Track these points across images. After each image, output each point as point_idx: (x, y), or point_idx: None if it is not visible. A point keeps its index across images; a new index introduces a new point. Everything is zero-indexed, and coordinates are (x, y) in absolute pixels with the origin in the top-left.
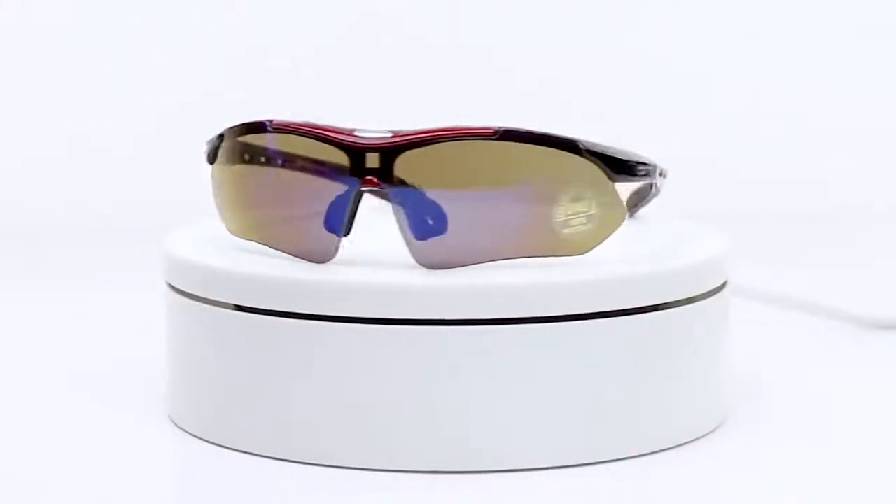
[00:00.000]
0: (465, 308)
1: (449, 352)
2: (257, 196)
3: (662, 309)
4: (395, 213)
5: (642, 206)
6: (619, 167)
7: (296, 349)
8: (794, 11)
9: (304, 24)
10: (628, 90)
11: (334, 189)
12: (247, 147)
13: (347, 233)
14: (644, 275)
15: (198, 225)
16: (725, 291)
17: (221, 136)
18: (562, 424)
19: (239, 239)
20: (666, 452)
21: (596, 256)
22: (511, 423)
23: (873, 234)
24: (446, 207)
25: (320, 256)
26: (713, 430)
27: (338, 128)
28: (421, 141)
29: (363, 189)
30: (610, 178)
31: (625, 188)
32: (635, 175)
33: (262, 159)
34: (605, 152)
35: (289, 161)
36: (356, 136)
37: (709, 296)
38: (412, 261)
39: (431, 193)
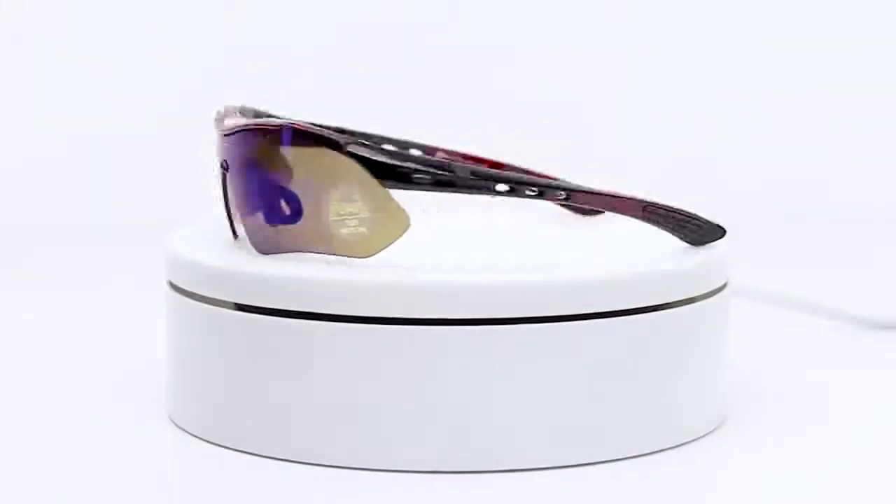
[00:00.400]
0: (465, 308)
1: (449, 352)
2: None
3: (663, 309)
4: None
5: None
6: (386, 172)
7: (296, 349)
8: (795, 11)
9: (304, 23)
10: (629, 90)
11: None
12: None
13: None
14: (644, 275)
15: (199, 224)
16: (726, 292)
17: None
18: (562, 424)
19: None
20: (666, 452)
21: (596, 257)
22: (511, 423)
23: (873, 234)
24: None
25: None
26: (713, 430)
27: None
28: (230, 132)
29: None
30: (380, 182)
31: (401, 195)
32: (410, 182)
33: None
34: (371, 156)
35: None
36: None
37: (709, 296)
38: (412, 261)
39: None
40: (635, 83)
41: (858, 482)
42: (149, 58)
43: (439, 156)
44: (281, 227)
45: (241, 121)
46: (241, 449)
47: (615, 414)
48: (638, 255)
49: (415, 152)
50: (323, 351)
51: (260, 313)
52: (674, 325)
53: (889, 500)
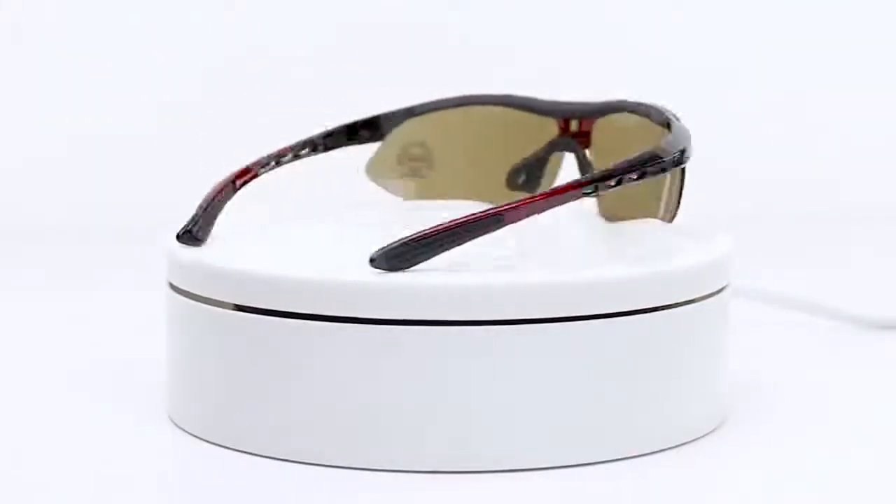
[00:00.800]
0: (465, 308)
1: (449, 352)
2: None
3: (663, 310)
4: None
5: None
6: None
7: (296, 349)
8: (795, 11)
9: (304, 23)
10: (629, 90)
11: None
12: None
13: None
14: (645, 277)
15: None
16: (726, 292)
17: None
18: (562, 424)
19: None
20: (666, 452)
21: (596, 258)
22: (511, 423)
23: (873, 234)
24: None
25: None
26: (713, 430)
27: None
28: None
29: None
30: None
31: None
32: None
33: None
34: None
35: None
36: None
37: (709, 297)
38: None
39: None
40: (635, 83)
41: (859, 482)
42: (149, 58)
43: None
44: None
45: None
46: (241, 449)
47: (615, 414)
48: (638, 255)
49: None
50: (323, 351)
51: (260, 313)
52: (674, 325)
53: (889, 500)
